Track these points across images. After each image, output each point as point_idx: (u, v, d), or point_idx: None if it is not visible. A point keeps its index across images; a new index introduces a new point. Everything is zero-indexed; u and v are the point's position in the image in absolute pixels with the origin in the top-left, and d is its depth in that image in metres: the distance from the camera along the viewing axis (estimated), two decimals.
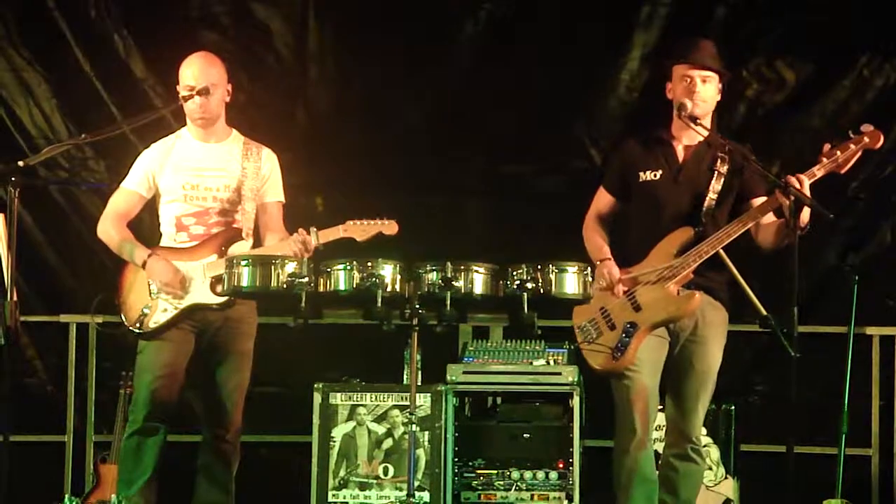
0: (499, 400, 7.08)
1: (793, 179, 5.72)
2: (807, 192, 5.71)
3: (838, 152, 5.83)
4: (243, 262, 5.72)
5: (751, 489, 7.21)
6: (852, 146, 5.84)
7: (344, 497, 6.83)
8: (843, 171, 5.88)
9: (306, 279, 5.60)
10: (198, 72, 6.31)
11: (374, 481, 6.85)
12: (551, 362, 6.96)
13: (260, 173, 6.40)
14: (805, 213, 5.69)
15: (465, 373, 6.94)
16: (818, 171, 5.82)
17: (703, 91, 6.02)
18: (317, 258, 5.87)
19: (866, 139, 5.84)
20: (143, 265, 6.25)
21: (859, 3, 7.80)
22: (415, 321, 5.67)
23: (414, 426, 5.81)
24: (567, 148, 8.12)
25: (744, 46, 7.92)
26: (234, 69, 6.53)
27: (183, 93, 6.31)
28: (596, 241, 6.20)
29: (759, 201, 6.01)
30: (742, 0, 7.91)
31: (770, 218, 5.97)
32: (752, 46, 7.97)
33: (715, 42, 6.15)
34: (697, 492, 6.18)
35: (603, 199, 6.28)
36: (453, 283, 5.58)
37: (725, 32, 7.76)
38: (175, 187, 6.34)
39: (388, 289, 5.60)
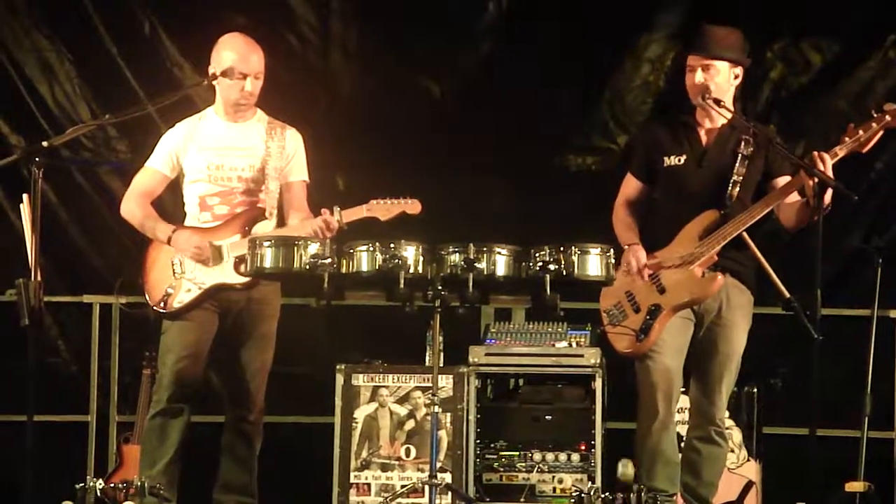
0: (521, 382, 7.07)
1: (816, 158, 5.71)
2: (829, 171, 5.70)
3: (860, 131, 5.84)
4: (266, 244, 5.74)
5: (773, 472, 7.20)
6: (874, 125, 5.84)
7: (366, 478, 6.84)
8: (864, 151, 5.89)
9: (329, 260, 5.61)
10: (249, 57, 6.29)
11: (396, 462, 6.85)
12: (573, 344, 6.94)
13: (284, 153, 6.40)
14: (827, 194, 5.68)
15: (487, 354, 6.93)
16: (840, 151, 5.82)
17: (703, 80, 6.01)
18: (339, 239, 5.87)
19: (888, 118, 5.84)
20: (169, 241, 6.27)
21: None
22: (437, 303, 5.68)
23: (436, 408, 5.83)
24: (591, 129, 8.10)
25: (769, 28, 7.88)
26: None
27: (228, 76, 6.27)
28: (624, 226, 6.22)
29: (783, 181, 6.01)
30: None
31: (793, 197, 5.97)
32: (777, 28, 7.93)
33: (736, 25, 6.14)
34: (720, 474, 6.20)
35: (631, 185, 6.29)
36: (476, 264, 5.58)
37: (750, 14, 7.72)
38: (199, 167, 6.35)
39: (411, 270, 5.61)
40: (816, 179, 5.65)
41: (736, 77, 6.11)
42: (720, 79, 6.04)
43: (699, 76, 6.02)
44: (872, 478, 7.07)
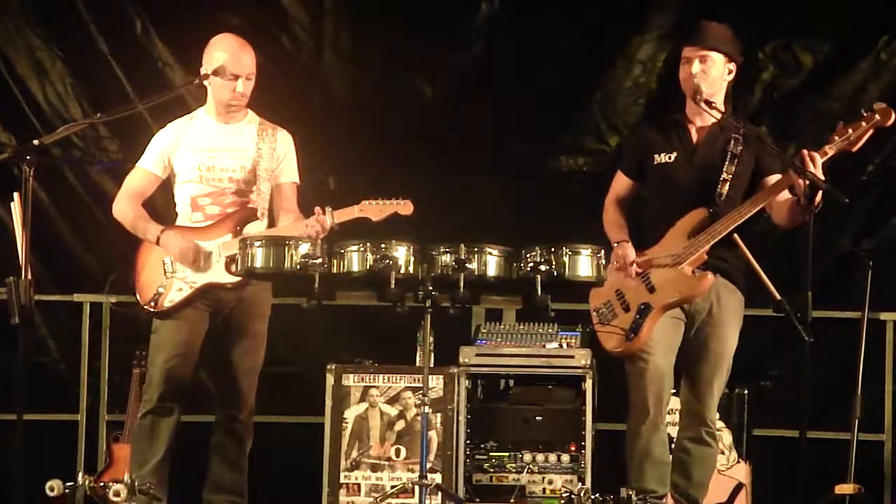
0: (511, 382, 7.07)
1: (806, 157, 5.72)
2: (819, 170, 5.71)
3: (850, 130, 5.85)
4: (257, 243, 5.74)
5: (763, 473, 7.20)
6: (864, 124, 5.85)
7: (356, 478, 6.83)
8: (854, 150, 5.90)
9: (320, 260, 5.61)
10: (241, 57, 6.29)
11: (386, 463, 6.84)
12: (564, 345, 6.94)
13: (275, 154, 6.40)
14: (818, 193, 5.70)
15: (477, 355, 6.92)
16: (830, 150, 5.83)
17: (700, 70, 6.02)
18: (331, 239, 5.87)
19: (877, 117, 5.85)
20: (157, 241, 6.26)
21: None
22: (428, 303, 5.68)
23: (426, 408, 5.83)
24: (583, 130, 8.10)
25: (760, 29, 7.88)
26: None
27: (219, 76, 6.26)
28: (614, 224, 6.23)
29: (773, 179, 6.02)
30: None
31: (785, 195, 5.98)
32: (769, 29, 7.93)
33: (729, 25, 6.15)
34: (710, 475, 6.20)
35: (621, 183, 6.30)
36: (467, 265, 5.58)
37: (741, 15, 7.71)
38: (191, 168, 6.35)
39: (402, 270, 5.62)
40: (807, 182, 5.66)
41: (730, 73, 6.12)
42: (715, 71, 6.05)
43: (695, 67, 6.02)
44: (862, 480, 7.07)
